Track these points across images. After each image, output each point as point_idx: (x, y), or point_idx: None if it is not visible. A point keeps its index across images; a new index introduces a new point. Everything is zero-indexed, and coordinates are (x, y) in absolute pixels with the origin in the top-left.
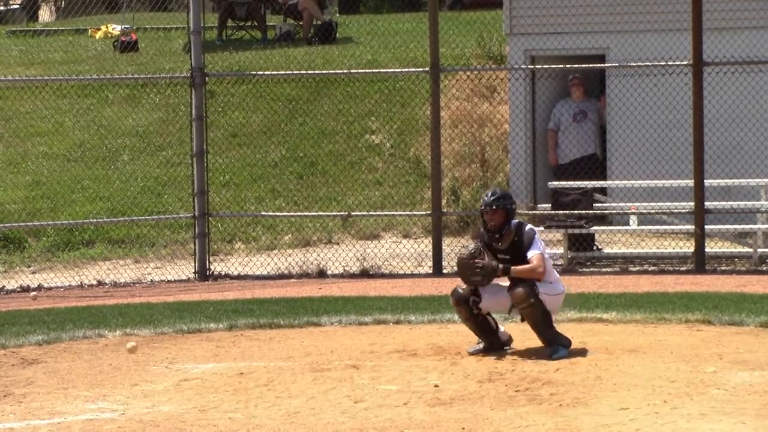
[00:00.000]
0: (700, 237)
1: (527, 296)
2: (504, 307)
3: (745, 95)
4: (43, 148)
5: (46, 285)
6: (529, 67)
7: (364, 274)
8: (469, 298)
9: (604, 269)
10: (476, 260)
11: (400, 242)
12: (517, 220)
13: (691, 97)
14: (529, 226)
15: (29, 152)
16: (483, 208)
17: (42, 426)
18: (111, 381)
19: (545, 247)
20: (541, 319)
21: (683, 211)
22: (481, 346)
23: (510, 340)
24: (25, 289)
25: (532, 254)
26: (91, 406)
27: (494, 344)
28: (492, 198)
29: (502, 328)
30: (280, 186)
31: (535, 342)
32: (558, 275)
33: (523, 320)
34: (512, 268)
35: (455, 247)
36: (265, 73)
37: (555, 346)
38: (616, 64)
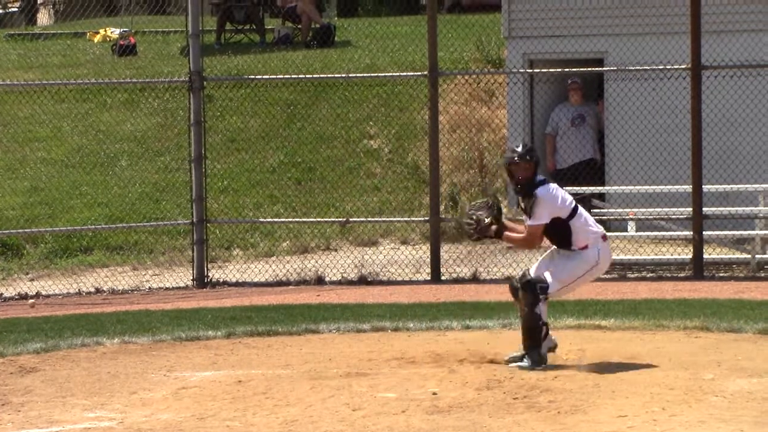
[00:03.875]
0: (698, 243)
1: (524, 305)
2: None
3: (744, 99)
4: (41, 154)
5: (44, 292)
6: (528, 70)
7: (362, 280)
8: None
9: (602, 275)
10: (473, 213)
11: (398, 249)
12: (542, 178)
13: (689, 101)
14: (542, 190)
15: (27, 158)
16: (513, 159)
17: None
18: (109, 389)
19: (568, 206)
20: (526, 328)
21: (681, 216)
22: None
23: (555, 346)
24: (23, 297)
25: (527, 224)
26: (89, 414)
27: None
28: (524, 149)
29: (552, 337)
30: (279, 192)
31: None
32: (594, 233)
33: None
34: (504, 234)
35: (453, 254)
36: (264, 77)
37: (526, 356)
38: (615, 68)
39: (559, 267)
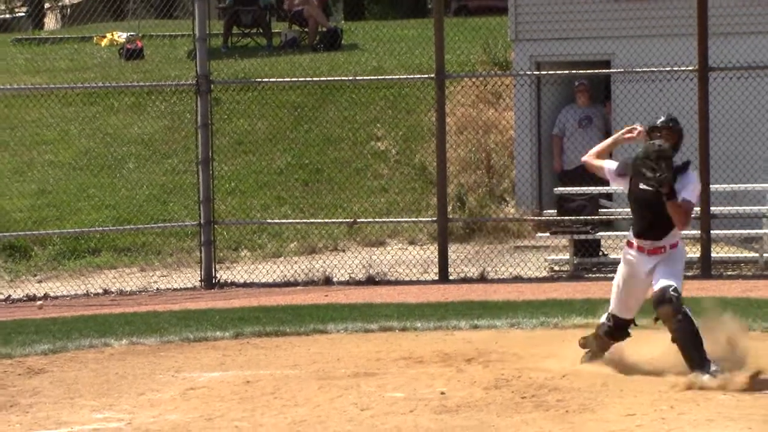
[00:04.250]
0: (706, 242)
1: (674, 312)
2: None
3: (751, 100)
4: (48, 157)
5: (52, 294)
6: (535, 73)
7: (370, 281)
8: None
9: (610, 275)
10: (657, 161)
11: (406, 249)
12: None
13: (696, 102)
14: (694, 170)
15: (35, 160)
16: (657, 126)
17: None
18: (117, 390)
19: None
20: (689, 342)
21: None
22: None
23: None
24: (31, 298)
25: (686, 199)
26: (97, 415)
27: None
28: (669, 118)
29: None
30: (286, 193)
31: (542, 348)
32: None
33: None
34: (673, 200)
35: (461, 254)
36: (270, 80)
37: (699, 370)
38: (622, 70)
39: (668, 269)
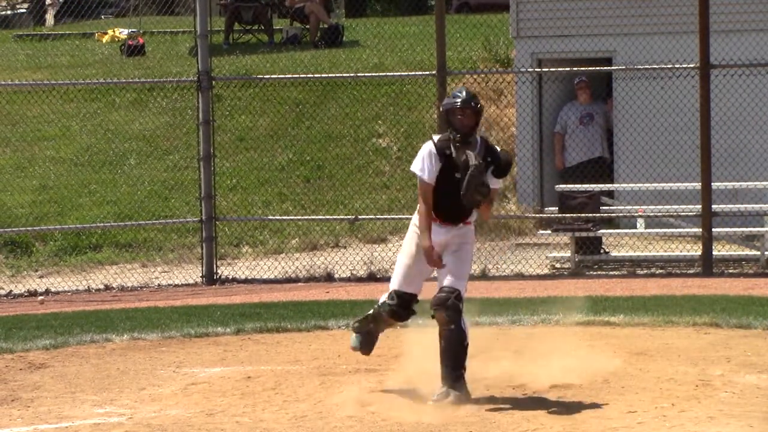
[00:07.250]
0: (707, 240)
1: (448, 321)
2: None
3: (752, 97)
4: (50, 153)
5: (53, 289)
6: (536, 70)
7: (372, 277)
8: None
9: (611, 272)
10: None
11: None
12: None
13: (698, 99)
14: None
15: (36, 156)
16: (458, 105)
17: (49, 430)
18: (118, 385)
19: None
20: (452, 352)
21: (690, 213)
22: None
23: None
24: (33, 294)
25: (496, 185)
26: (98, 410)
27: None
28: (469, 95)
29: None
30: (287, 190)
31: (543, 345)
32: None
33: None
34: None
35: None
36: (272, 76)
37: (448, 390)
38: (623, 67)
39: (458, 267)
